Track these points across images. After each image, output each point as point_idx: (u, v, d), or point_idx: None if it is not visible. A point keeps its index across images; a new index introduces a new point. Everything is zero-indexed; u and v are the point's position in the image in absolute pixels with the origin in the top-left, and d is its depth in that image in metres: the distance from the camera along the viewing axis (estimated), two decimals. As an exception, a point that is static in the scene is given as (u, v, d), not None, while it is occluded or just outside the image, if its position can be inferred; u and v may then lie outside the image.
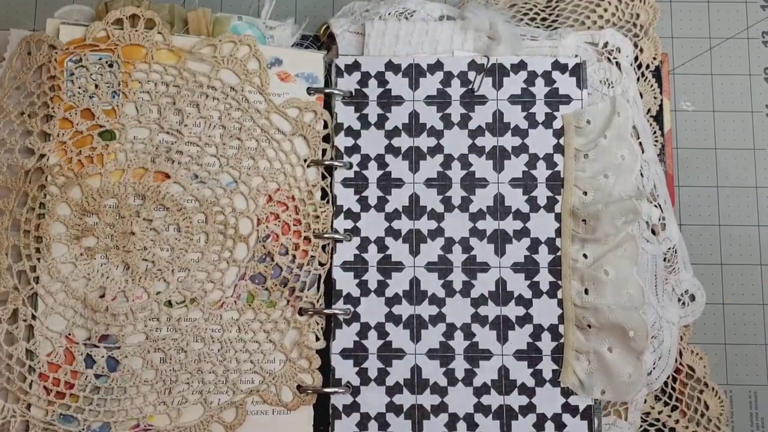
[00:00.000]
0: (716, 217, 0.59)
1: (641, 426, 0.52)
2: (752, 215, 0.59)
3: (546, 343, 0.51)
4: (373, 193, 0.53)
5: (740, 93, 0.61)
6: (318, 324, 0.51)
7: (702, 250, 0.55)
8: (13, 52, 0.51)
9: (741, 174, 0.59)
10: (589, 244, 0.52)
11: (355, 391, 0.51)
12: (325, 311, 0.51)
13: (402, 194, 0.53)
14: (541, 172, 0.53)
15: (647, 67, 0.56)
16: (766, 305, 0.58)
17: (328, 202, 0.52)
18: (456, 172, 0.53)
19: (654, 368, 0.52)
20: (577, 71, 0.54)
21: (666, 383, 0.52)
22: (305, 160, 0.52)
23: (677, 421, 0.52)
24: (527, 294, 0.52)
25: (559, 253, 0.52)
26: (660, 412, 0.52)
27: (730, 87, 0.61)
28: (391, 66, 0.53)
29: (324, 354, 0.51)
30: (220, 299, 0.50)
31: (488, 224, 0.52)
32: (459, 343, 0.51)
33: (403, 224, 0.52)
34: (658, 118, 0.56)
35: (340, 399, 0.50)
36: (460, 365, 0.51)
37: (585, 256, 0.51)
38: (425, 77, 0.53)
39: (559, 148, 0.53)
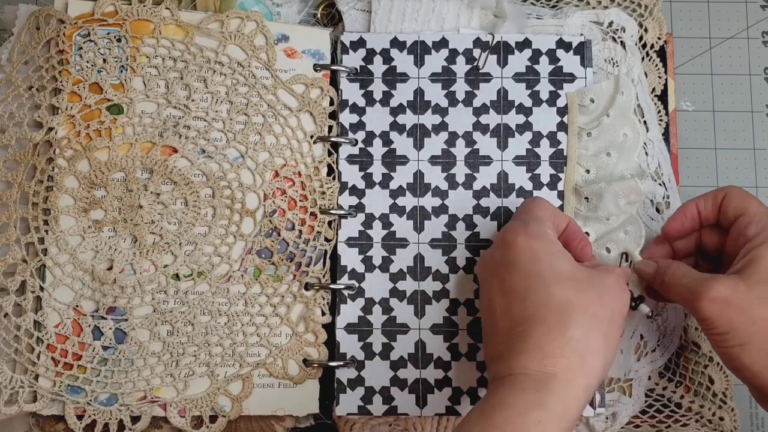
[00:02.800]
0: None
1: (646, 401, 0.52)
2: (752, 216, 0.59)
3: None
4: (377, 170, 0.53)
5: (740, 93, 0.61)
6: (324, 299, 0.51)
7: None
8: (21, 26, 0.51)
9: (741, 174, 0.60)
10: (592, 222, 0.52)
11: (360, 366, 0.51)
12: (331, 286, 0.51)
13: (406, 171, 0.53)
14: (545, 150, 0.53)
15: (652, 46, 0.56)
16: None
17: (333, 178, 0.53)
18: (460, 150, 0.53)
19: (658, 345, 0.52)
20: (582, 50, 0.54)
21: (670, 360, 0.53)
22: (312, 136, 0.53)
23: (682, 397, 0.52)
24: None
25: (562, 231, 0.52)
26: (664, 388, 0.52)
27: (730, 87, 0.61)
28: (397, 43, 0.54)
29: (329, 329, 0.52)
30: (227, 273, 0.50)
31: (492, 202, 0.53)
32: (462, 318, 0.52)
33: (408, 201, 0.53)
34: (663, 97, 0.56)
35: (345, 373, 0.51)
36: (463, 340, 0.51)
37: (587, 234, 0.52)
38: (430, 54, 0.54)
39: (562, 126, 0.53)
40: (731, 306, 0.42)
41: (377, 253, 0.52)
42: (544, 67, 0.54)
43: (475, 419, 0.39)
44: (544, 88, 0.54)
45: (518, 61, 0.54)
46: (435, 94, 0.54)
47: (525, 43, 0.54)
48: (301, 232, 0.52)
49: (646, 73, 0.56)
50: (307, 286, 0.51)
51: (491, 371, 0.43)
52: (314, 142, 0.53)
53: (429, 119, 0.53)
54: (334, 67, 0.53)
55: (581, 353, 0.40)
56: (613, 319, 0.42)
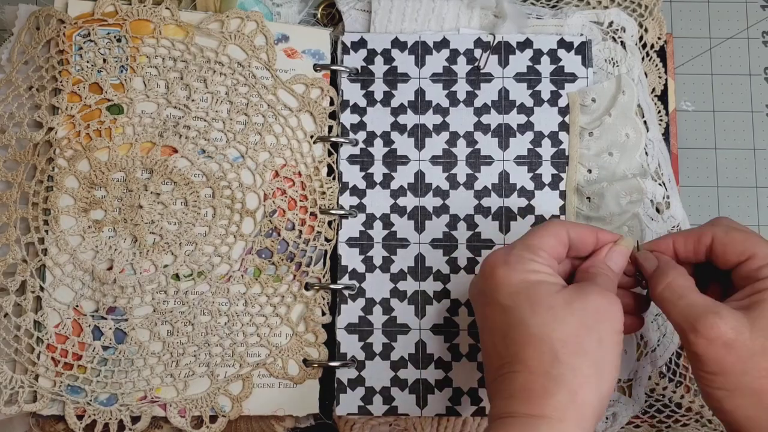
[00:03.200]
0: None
1: (646, 401, 0.52)
2: (752, 215, 0.59)
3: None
4: (378, 170, 0.53)
5: (740, 93, 0.61)
6: (324, 299, 0.51)
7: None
8: (21, 26, 0.51)
9: (741, 174, 0.60)
10: (594, 222, 0.52)
11: (360, 366, 0.51)
12: (331, 286, 0.51)
13: (407, 171, 0.53)
14: (546, 149, 0.53)
15: (652, 46, 0.56)
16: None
17: (334, 178, 0.53)
18: (461, 150, 0.53)
19: (658, 345, 0.52)
20: (583, 49, 0.54)
21: (670, 360, 0.53)
22: (312, 137, 0.52)
23: (682, 397, 0.52)
24: None
25: (563, 231, 0.52)
26: (665, 389, 0.52)
27: (730, 87, 0.61)
28: (397, 43, 0.54)
29: (329, 329, 0.52)
30: (227, 273, 0.50)
31: (493, 202, 0.53)
32: (463, 318, 0.52)
33: (409, 201, 0.53)
34: (663, 97, 0.56)
35: (345, 373, 0.51)
36: (464, 341, 0.51)
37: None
38: (431, 55, 0.54)
39: (564, 126, 0.53)
40: (730, 351, 0.38)
41: (378, 253, 0.52)
42: (545, 67, 0.54)
43: None
44: (546, 88, 0.54)
45: (519, 61, 0.54)
46: (436, 94, 0.53)
47: (526, 43, 0.54)
48: (301, 232, 0.51)
49: (646, 73, 0.56)
50: (308, 286, 0.51)
51: (490, 411, 0.40)
52: (314, 142, 0.52)
53: (430, 119, 0.53)
54: (334, 67, 0.53)
55: (570, 389, 0.37)
56: (603, 343, 0.38)
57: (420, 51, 0.54)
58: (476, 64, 0.54)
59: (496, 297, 0.40)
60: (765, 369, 0.38)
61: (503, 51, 0.54)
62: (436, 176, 0.53)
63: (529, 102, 0.53)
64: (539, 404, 0.37)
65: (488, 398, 0.41)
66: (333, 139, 0.53)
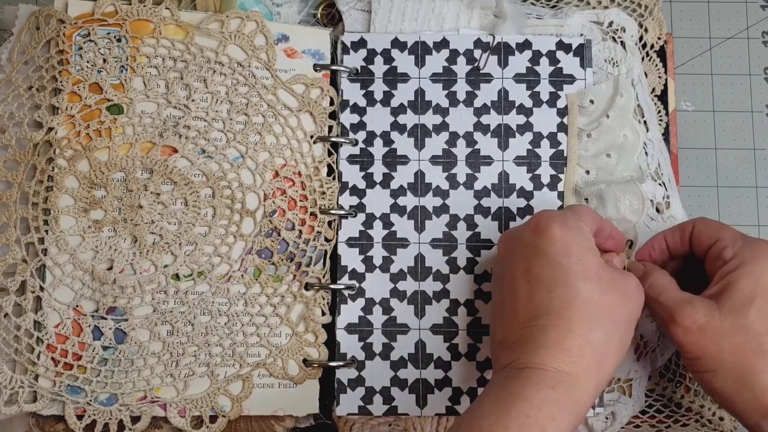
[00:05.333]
0: (716, 217, 0.59)
1: (646, 401, 0.52)
2: (752, 215, 0.59)
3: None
4: (378, 170, 0.53)
5: (740, 93, 0.61)
6: (324, 299, 0.51)
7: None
8: (21, 26, 0.51)
9: (741, 174, 0.60)
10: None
11: (360, 366, 0.51)
12: (331, 286, 0.51)
13: (407, 171, 0.53)
14: (545, 150, 0.53)
15: (652, 46, 0.56)
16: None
17: (334, 178, 0.53)
18: (461, 150, 0.53)
19: (658, 345, 0.52)
20: (581, 51, 0.54)
21: (670, 360, 0.53)
22: (311, 136, 0.52)
23: (682, 397, 0.52)
24: None
25: (562, 231, 0.52)
26: (665, 388, 0.52)
27: (730, 87, 0.61)
28: (397, 43, 0.54)
29: (329, 329, 0.52)
30: (227, 273, 0.50)
31: (493, 202, 0.53)
32: (462, 318, 0.52)
33: (408, 201, 0.53)
34: (663, 97, 0.56)
35: (345, 373, 0.51)
36: (463, 340, 0.51)
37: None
38: (431, 55, 0.54)
39: (562, 127, 0.53)
40: (705, 334, 0.43)
41: (378, 253, 0.52)
42: (544, 68, 0.54)
43: (489, 408, 0.39)
44: (545, 89, 0.54)
45: (519, 62, 0.54)
46: (436, 94, 0.54)
47: (525, 45, 0.54)
48: (301, 232, 0.51)
49: (646, 73, 0.56)
50: (307, 286, 0.51)
51: (502, 356, 0.42)
52: (314, 142, 0.53)
53: (430, 119, 0.53)
54: (334, 67, 0.53)
55: (600, 355, 0.40)
56: (630, 324, 0.43)
57: (420, 51, 0.54)
58: (476, 65, 0.54)
59: (549, 252, 0.42)
60: (736, 345, 0.42)
61: (503, 52, 0.54)
62: (435, 176, 0.53)
63: (528, 103, 0.54)
64: (572, 362, 0.39)
65: (502, 346, 0.42)
66: (333, 139, 0.53)
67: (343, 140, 0.53)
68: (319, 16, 0.56)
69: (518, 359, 0.41)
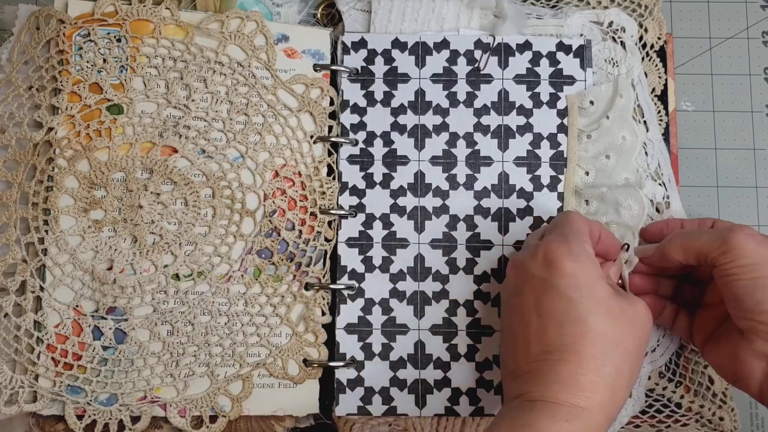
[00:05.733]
0: (716, 217, 0.59)
1: (646, 401, 0.52)
2: (752, 215, 0.59)
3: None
4: (378, 170, 0.53)
5: (740, 93, 0.61)
6: (324, 299, 0.51)
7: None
8: (21, 26, 0.51)
9: (741, 174, 0.60)
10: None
11: (360, 366, 0.51)
12: (331, 286, 0.51)
13: (407, 171, 0.53)
14: (545, 151, 0.53)
15: (652, 46, 0.56)
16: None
17: (334, 178, 0.53)
18: (461, 150, 0.53)
19: (658, 345, 0.52)
20: (581, 52, 0.54)
21: (670, 360, 0.53)
22: (311, 137, 0.52)
23: (682, 397, 0.52)
24: None
25: (562, 231, 0.52)
26: (664, 388, 0.52)
27: (730, 87, 0.61)
28: (398, 44, 0.54)
29: (329, 329, 0.52)
30: (227, 273, 0.50)
31: (492, 202, 0.53)
32: (462, 319, 0.52)
33: (408, 201, 0.53)
34: (663, 97, 0.56)
35: (344, 373, 0.51)
36: (462, 341, 0.51)
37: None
38: (431, 55, 0.54)
39: (562, 128, 0.53)
40: (763, 243, 0.43)
41: (377, 254, 0.52)
42: (544, 69, 0.54)
43: None
44: (545, 90, 0.54)
45: (519, 63, 0.54)
46: (436, 94, 0.54)
47: (525, 45, 0.54)
48: (301, 232, 0.52)
49: (646, 73, 0.56)
50: (307, 286, 0.51)
51: (514, 387, 0.42)
52: (314, 142, 0.53)
53: (430, 120, 0.53)
54: (334, 68, 0.53)
55: (612, 388, 0.40)
56: (640, 352, 0.43)
57: (420, 51, 0.54)
58: (476, 65, 0.54)
59: (559, 286, 0.42)
60: None
61: (503, 52, 0.54)
62: (435, 176, 0.53)
63: (528, 104, 0.54)
64: (584, 397, 0.39)
65: (514, 377, 0.43)
66: (333, 139, 0.53)
67: (343, 140, 0.53)
68: (319, 16, 0.56)
69: (530, 392, 0.41)
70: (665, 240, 0.46)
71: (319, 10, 0.56)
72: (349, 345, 0.51)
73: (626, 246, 0.48)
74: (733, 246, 0.43)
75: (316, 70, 0.53)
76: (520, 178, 0.53)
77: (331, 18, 0.56)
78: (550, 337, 0.41)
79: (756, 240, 0.43)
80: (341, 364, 0.51)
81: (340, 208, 0.52)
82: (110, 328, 0.49)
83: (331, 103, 0.54)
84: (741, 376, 0.45)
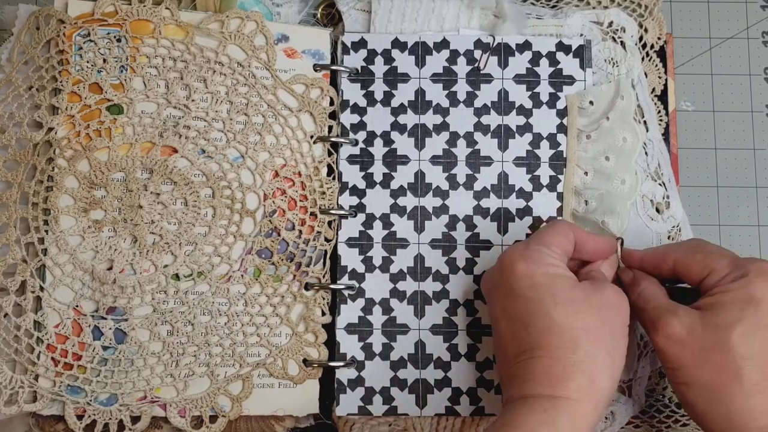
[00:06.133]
0: (716, 217, 0.59)
1: (646, 401, 0.52)
2: (752, 215, 0.59)
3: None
4: (378, 170, 0.53)
5: (740, 93, 0.61)
6: (324, 299, 0.51)
7: (701, 250, 0.55)
8: (21, 26, 0.51)
9: (741, 174, 0.60)
10: (589, 224, 0.52)
11: (360, 366, 0.51)
12: (331, 286, 0.51)
13: (407, 171, 0.53)
14: (545, 151, 0.53)
15: (652, 46, 0.56)
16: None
17: (334, 178, 0.53)
18: (461, 150, 0.53)
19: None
20: (581, 52, 0.54)
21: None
22: (311, 137, 0.52)
23: (681, 396, 0.52)
24: None
25: (562, 231, 0.52)
26: (665, 389, 0.52)
27: (730, 87, 0.61)
28: (398, 43, 0.54)
29: (329, 329, 0.52)
30: (227, 273, 0.50)
31: (492, 202, 0.53)
32: (462, 319, 0.52)
33: (408, 201, 0.53)
34: (663, 97, 0.56)
35: (345, 373, 0.51)
36: (463, 341, 0.51)
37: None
38: (431, 55, 0.54)
39: (562, 128, 0.53)
40: (685, 346, 0.42)
41: (377, 254, 0.52)
42: (544, 69, 0.54)
43: None
44: (544, 90, 0.54)
45: (519, 63, 0.54)
46: (436, 94, 0.54)
47: (525, 45, 0.54)
48: (301, 232, 0.52)
49: (646, 73, 0.56)
50: (307, 286, 0.51)
51: (504, 393, 0.44)
52: (314, 142, 0.53)
53: (430, 119, 0.53)
54: (334, 67, 0.53)
55: (589, 374, 0.41)
56: (615, 335, 0.43)
57: (420, 51, 0.54)
58: (476, 65, 0.54)
59: (517, 289, 0.43)
60: (716, 363, 0.41)
61: (503, 52, 0.54)
62: (435, 176, 0.53)
63: (528, 104, 0.54)
64: (561, 386, 0.40)
65: (502, 384, 0.44)
66: (333, 139, 0.53)
67: (343, 140, 0.53)
68: (319, 16, 0.56)
69: (513, 394, 0.42)
70: (634, 286, 0.47)
71: (319, 10, 0.56)
72: (350, 345, 0.51)
73: (620, 240, 0.49)
74: (658, 347, 0.44)
75: (316, 70, 0.53)
76: (519, 178, 0.53)
77: (331, 18, 0.56)
78: (520, 339, 0.42)
79: (675, 343, 0.42)
80: (341, 364, 0.51)
81: (340, 208, 0.52)
82: (110, 328, 0.49)
83: (331, 103, 0.54)
84: None
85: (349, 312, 0.52)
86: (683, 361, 0.42)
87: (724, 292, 0.43)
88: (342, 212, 0.52)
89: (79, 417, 0.48)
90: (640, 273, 0.48)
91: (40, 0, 0.58)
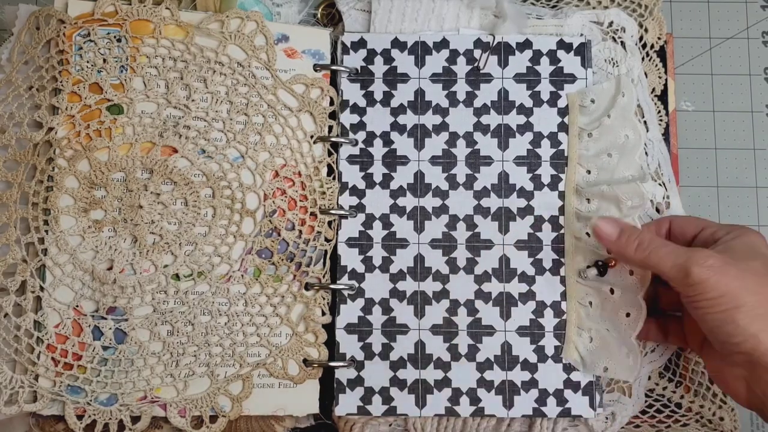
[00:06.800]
0: (716, 217, 0.59)
1: (646, 401, 0.52)
2: (752, 215, 0.59)
3: (548, 320, 0.51)
4: (378, 170, 0.53)
5: (740, 93, 0.61)
6: (324, 299, 0.51)
7: (702, 250, 0.55)
8: (21, 26, 0.51)
9: (741, 174, 0.60)
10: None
11: (360, 366, 0.51)
12: (331, 286, 0.51)
13: (407, 171, 0.53)
14: (546, 150, 0.53)
15: (652, 46, 0.56)
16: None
17: (334, 178, 0.53)
18: (461, 150, 0.53)
19: (658, 345, 0.52)
20: (582, 50, 0.54)
21: (670, 360, 0.53)
22: (311, 137, 0.52)
23: (682, 397, 0.52)
24: (530, 271, 0.52)
25: (562, 231, 0.52)
26: (664, 388, 0.52)
27: (730, 87, 0.61)
28: (397, 43, 0.54)
29: (329, 329, 0.52)
30: (227, 273, 0.50)
31: (492, 202, 0.53)
32: (462, 319, 0.52)
33: (408, 201, 0.53)
34: (663, 97, 0.56)
35: (344, 373, 0.51)
36: (463, 341, 0.51)
37: (588, 234, 0.52)
38: (431, 55, 0.54)
39: (563, 127, 0.53)
40: (725, 272, 0.43)
41: (377, 254, 0.52)
42: (544, 67, 0.54)
43: None
44: (545, 88, 0.54)
45: (519, 62, 0.54)
46: (436, 94, 0.53)
47: (525, 44, 0.54)
48: (301, 232, 0.51)
49: (646, 73, 0.56)
50: (307, 286, 0.51)
51: None
52: (314, 142, 0.52)
53: (430, 119, 0.53)
54: (334, 67, 0.53)
55: None
56: None
57: (420, 51, 0.54)
58: (476, 65, 0.54)
59: None
60: (756, 283, 0.43)
61: (503, 52, 0.54)
62: (435, 176, 0.53)
63: (528, 102, 0.53)
64: None
65: None
66: (333, 139, 0.53)
67: (343, 140, 0.53)
68: (319, 16, 0.56)
69: None
70: (642, 245, 0.47)
71: (319, 10, 0.56)
72: (349, 345, 0.51)
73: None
74: (695, 281, 0.43)
75: (316, 70, 0.53)
76: (520, 177, 0.53)
77: (331, 18, 0.56)
78: None
79: (717, 270, 0.43)
80: (341, 364, 0.51)
81: (340, 208, 0.52)
82: (110, 328, 0.49)
83: (331, 103, 0.54)
84: (728, 389, 0.46)
85: (349, 312, 0.52)
86: (729, 285, 0.43)
87: (728, 240, 0.46)
88: (342, 212, 0.52)
89: (79, 417, 0.48)
90: (632, 228, 0.48)
91: (41, 0, 0.57)
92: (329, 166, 0.53)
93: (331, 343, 0.51)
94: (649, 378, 0.52)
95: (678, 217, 0.51)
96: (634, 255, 0.46)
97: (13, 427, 0.49)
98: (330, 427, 0.52)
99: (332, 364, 0.51)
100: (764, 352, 0.42)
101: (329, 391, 0.51)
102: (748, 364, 0.44)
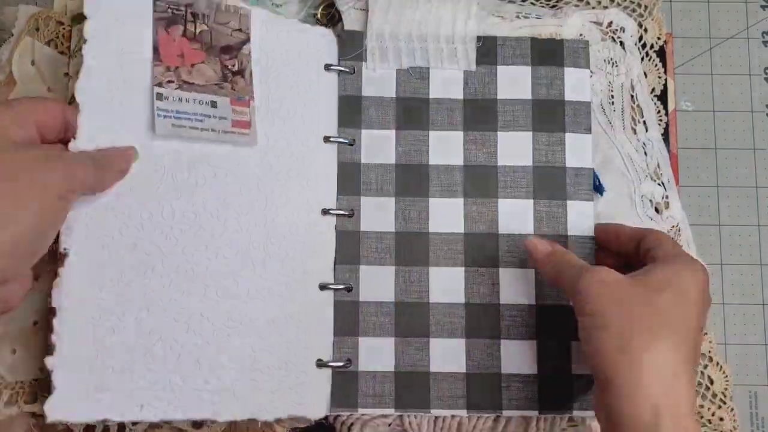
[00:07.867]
0: (716, 217, 0.59)
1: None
2: (752, 215, 0.59)
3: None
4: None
5: (740, 93, 0.61)
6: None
7: (702, 250, 0.55)
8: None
9: (741, 174, 0.60)
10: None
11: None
12: (330, 286, 0.51)
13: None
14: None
15: (651, 46, 0.56)
16: (766, 305, 0.58)
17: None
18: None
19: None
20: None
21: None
22: (311, 137, 0.53)
23: (681, 397, 0.52)
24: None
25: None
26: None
27: (730, 87, 0.61)
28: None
29: (328, 329, 0.52)
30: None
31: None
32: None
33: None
34: (663, 97, 0.56)
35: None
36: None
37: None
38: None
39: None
40: (610, 293, 0.42)
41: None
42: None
43: None
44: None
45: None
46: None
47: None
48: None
49: (645, 73, 0.56)
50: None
51: None
52: (313, 143, 0.53)
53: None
54: (334, 67, 0.53)
55: None
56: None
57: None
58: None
59: None
60: (637, 314, 0.41)
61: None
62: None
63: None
64: None
65: None
66: (333, 139, 0.53)
67: (342, 140, 0.53)
68: (319, 16, 0.56)
69: None
70: (555, 254, 0.48)
71: (319, 10, 0.56)
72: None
73: None
74: (580, 290, 0.43)
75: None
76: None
77: (331, 18, 0.56)
78: None
79: (605, 288, 0.43)
80: (340, 364, 0.51)
81: (340, 208, 0.52)
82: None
83: (331, 103, 0.54)
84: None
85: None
86: (604, 305, 0.42)
87: (655, 263, 0.44)
88: (341, 212, 0.52)
89: (79, 417, 0.48)
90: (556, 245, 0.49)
91: (40, 1, 0.58)
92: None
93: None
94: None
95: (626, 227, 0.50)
96: (546, 261, 0.47)
97: (13, 428, 0.49)
98: (329, 427, 0.52)
99: (331, 364, 0.50)
100: (604, 380, 0.41)
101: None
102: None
